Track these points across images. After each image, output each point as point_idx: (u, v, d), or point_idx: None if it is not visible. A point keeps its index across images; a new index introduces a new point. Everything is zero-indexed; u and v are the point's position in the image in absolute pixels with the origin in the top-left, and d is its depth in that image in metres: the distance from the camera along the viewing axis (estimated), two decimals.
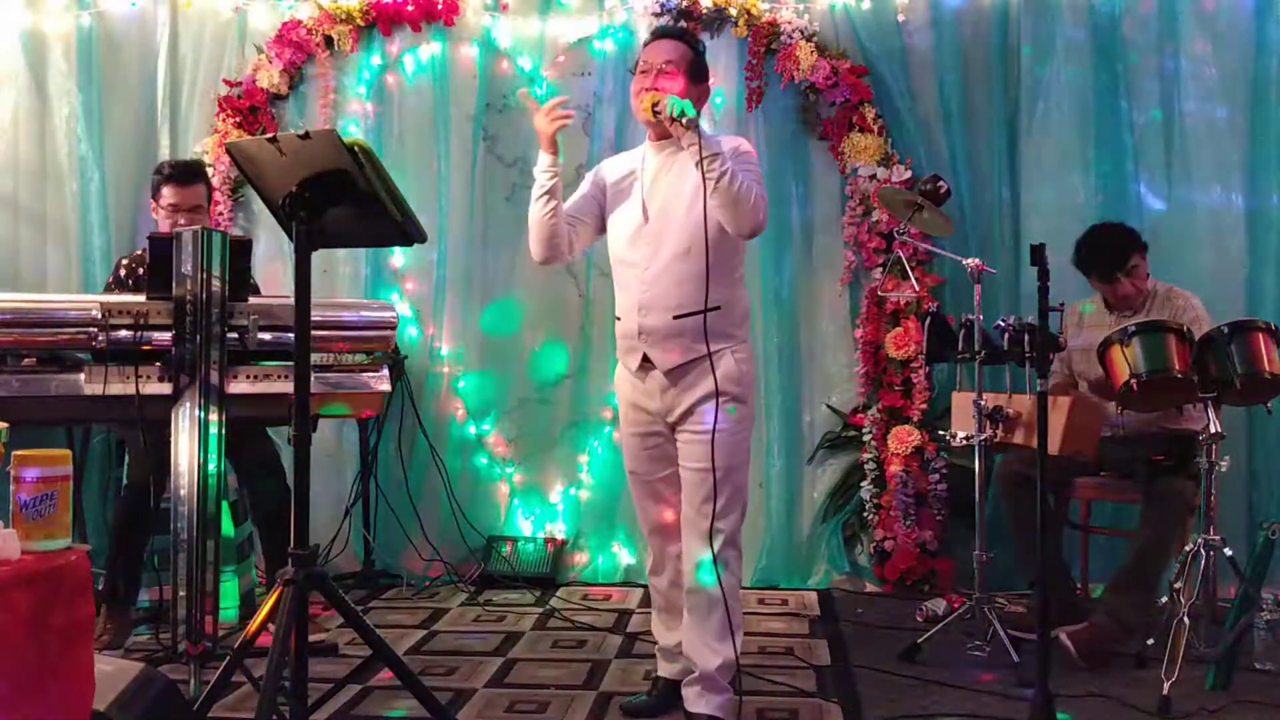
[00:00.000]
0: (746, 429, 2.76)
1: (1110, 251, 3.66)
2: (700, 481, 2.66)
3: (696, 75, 2.75)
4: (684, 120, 2.53)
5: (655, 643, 2.99)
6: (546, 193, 2.71)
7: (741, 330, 2.76)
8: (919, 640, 3.37)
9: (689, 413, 2.68)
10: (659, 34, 2.80)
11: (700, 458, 2.65)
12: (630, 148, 3.08)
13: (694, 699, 2.73)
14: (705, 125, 4.41)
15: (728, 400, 2.66)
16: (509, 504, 4.63)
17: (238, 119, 4.60)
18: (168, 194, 3.56)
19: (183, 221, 3.49)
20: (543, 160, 2.72)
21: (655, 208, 2.69)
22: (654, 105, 2.60)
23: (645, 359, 2.71)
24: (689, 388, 2.67)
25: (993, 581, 3.54)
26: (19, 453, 1.85)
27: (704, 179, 2.53)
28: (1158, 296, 3.71)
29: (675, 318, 2.64)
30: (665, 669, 2.94)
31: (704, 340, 2.64)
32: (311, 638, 2.76)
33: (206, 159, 4.55)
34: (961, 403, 3.52)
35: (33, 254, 4.74)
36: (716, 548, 2.64)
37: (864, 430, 4.43)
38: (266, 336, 2.92)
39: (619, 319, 2.80)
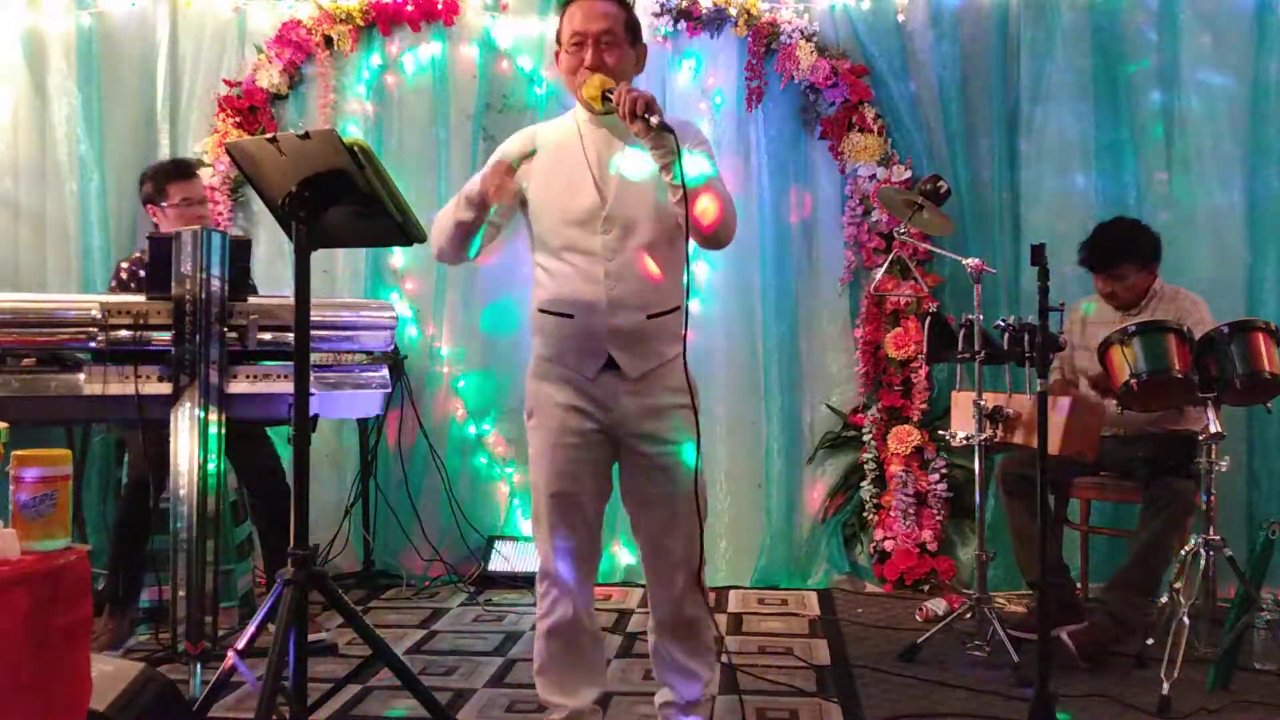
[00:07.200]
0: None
1: (1104, 250, 3.66)
2: (675, 508, 2.39)
3: (633, 37, 2.39)
4: (653, 121, 2.15)
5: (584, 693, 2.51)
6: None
7: (682, 332, 2.39)
8: (919, 640, 3.36)
9: (651, 428, 2.38)
10: None
11: (669, 482, 2.38)
12: None
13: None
14: (706, 126, 4.50)
15: (691, 413, 2.36)
16: (509, 504, 4.63)
17: (237, 119, 4.60)
18: (177, 190, 3.54)
19: (197, 213, 3.52)
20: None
21: (613, 190, 2.35)
22: (605, 90, 2.26)
23: (610, 363, 2.37)
24: (651, 396, 2.38)
25: (993, 581, 3.54)
26: (19, 453, 1.84)
27: (678, 187, 2.20)
28: (1164, 297, 3.69)
29: (649, 317, 2.35)
30: None
31: (670, 343, 2.38)
32: (311, 637, 2.76)
33: (206, 159, 4.56)
34: (961, 403, 3.51)
35: (32, 254, 4.74)
36: (698, 576, 2.42)
37: (864, 430, 4.43)
38: (266, 336, 2.92)
39: (568, 315, 2.37)
